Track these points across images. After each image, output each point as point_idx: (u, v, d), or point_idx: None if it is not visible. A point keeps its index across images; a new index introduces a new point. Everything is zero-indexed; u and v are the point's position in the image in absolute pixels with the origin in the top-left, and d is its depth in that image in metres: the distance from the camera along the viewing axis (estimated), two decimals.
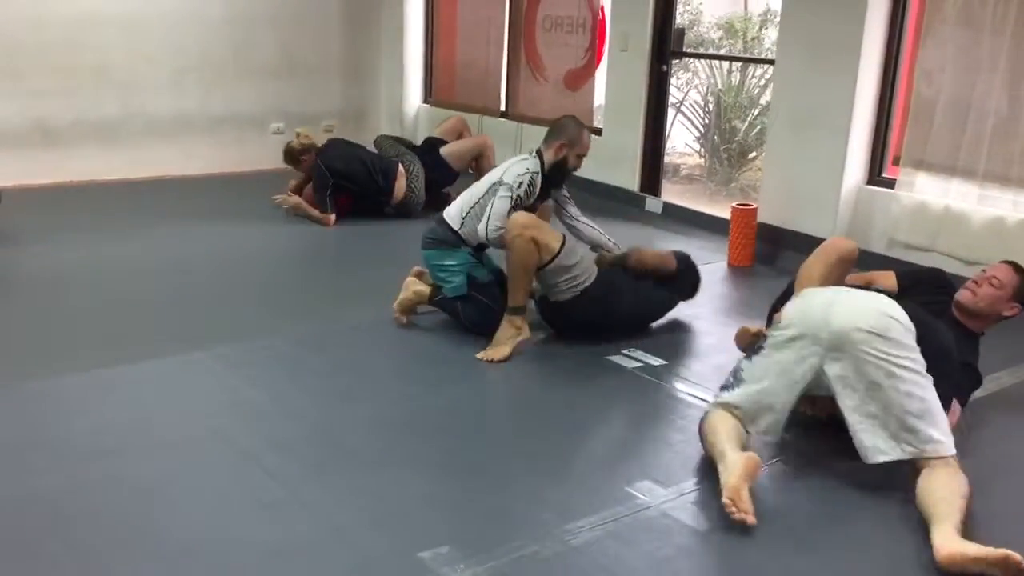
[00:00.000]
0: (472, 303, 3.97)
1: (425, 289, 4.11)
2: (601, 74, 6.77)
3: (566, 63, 7.08)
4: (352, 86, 8.39)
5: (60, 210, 6.19)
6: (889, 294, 3.38)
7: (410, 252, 4.23)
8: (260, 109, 7.80)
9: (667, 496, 2.76)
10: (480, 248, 4.10)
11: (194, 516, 2.60)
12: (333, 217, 5.90)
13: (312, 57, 8.06)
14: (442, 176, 6.26)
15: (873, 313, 2.82)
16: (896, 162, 5.19)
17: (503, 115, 7.56)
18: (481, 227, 3.92)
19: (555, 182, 4.17)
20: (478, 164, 6.26)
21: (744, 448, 2.83)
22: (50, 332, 4.03)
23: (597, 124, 6.91)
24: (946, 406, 2.98)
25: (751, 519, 2.60)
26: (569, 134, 4.10)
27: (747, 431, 2.93)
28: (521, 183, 3.94)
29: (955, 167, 4.87)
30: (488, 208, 3.93)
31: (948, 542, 2.46)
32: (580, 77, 7.00)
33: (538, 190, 4.05)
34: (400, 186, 6.00)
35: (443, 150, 6.30)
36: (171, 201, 6.67)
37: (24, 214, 4.86)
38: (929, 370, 2.87)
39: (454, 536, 2.51)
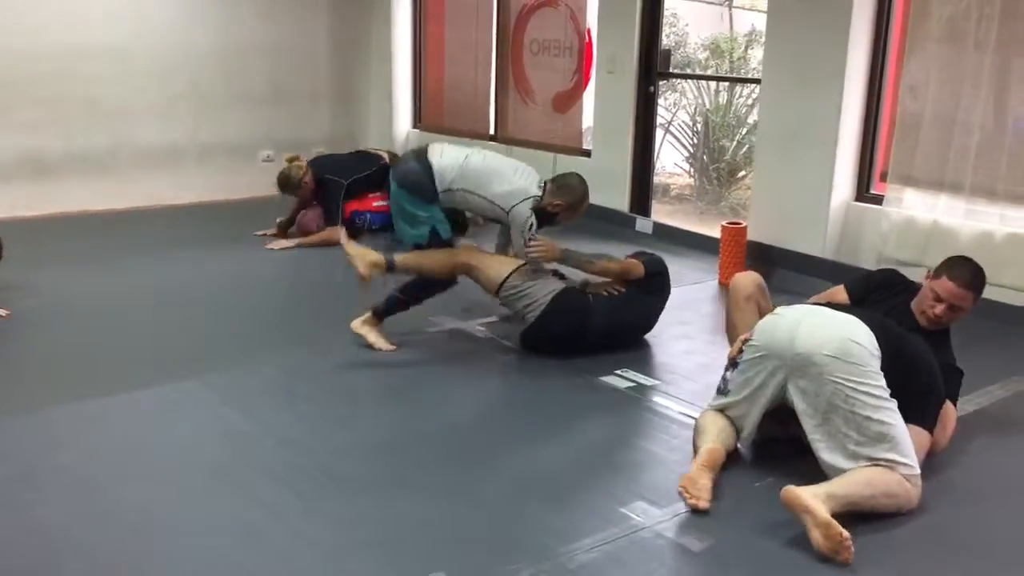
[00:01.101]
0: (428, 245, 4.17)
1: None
2: (589, 96, 6.82)
3: (554, 86, 7.12)
4: (341, 113, 8.43)
5: (51, 241, 6.18)
6: (847, 309, 3.38)
7: None
8: (250, 137, 7.83)
9: (662, 516, 2.76)
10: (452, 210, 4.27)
11: (186, 546, 2.58)
12: (343, 229, 5.97)
13: (301, 84, 8.10)
14: None
15: (837, 338, 2.82)
16: (884, 178, 5.22)
17: (492, 138, 7.59)
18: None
19: (540, 222, 4.20)
20: None
21: (731, 446, 3.02)
22: (40, 363, 4.02)
23: (586, 146, 6.95)
24: (936, 414, 3.02)
25: (702, 504, 2.74)
26: (573, 198, 4.22)
27: (737, 432, 3.07)
28: (532, 224, 4.08)
29: (942, 182, 4.90)
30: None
31: (803, 488, 2.57)
32: (568, 99, 7.05)
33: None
34: (384, 155, 6.50)
35: None
36: (162, 230, 6.67)
37: (15, 246, 4.86)
38: (915, 387, 2.90)
39: (450, 561, 2.49)
